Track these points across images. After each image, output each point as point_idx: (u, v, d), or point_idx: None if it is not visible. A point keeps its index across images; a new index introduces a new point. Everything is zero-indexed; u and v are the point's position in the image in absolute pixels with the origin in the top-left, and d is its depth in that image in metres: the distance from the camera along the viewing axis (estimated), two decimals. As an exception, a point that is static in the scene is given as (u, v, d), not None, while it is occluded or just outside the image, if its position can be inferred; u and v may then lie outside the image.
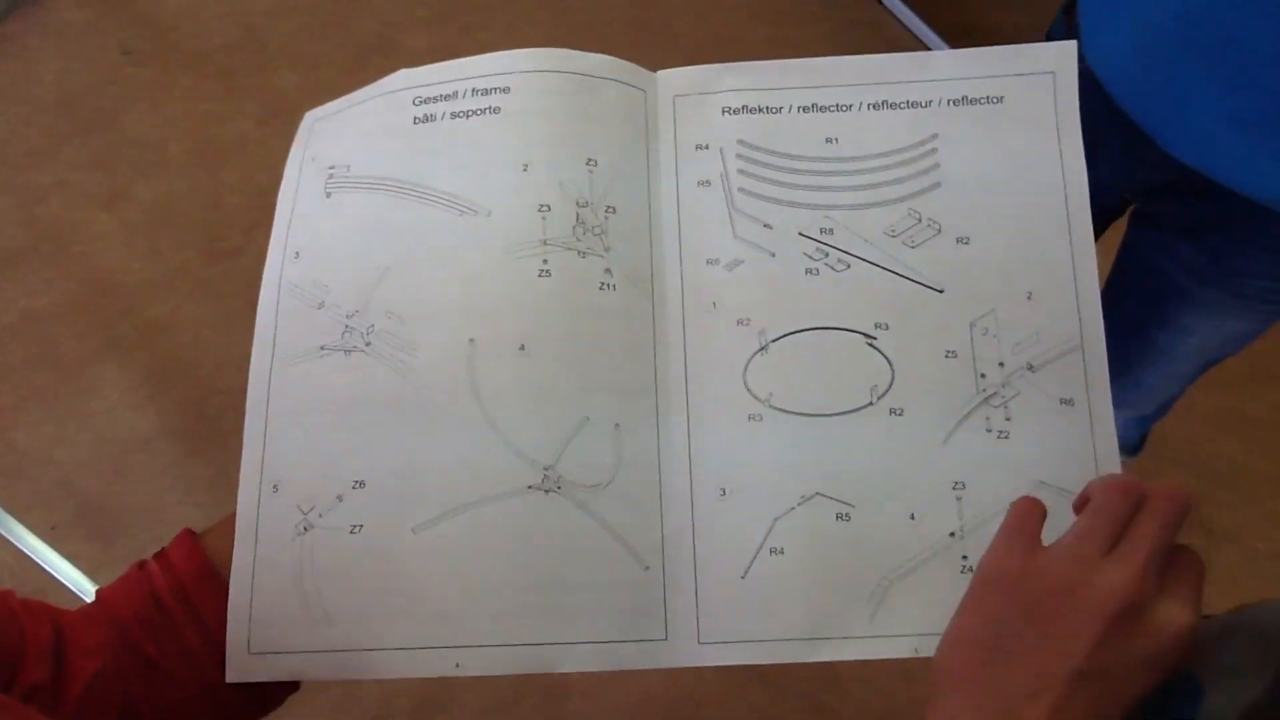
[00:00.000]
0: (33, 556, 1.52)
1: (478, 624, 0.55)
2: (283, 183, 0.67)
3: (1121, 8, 0.77)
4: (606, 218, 0.62)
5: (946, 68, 0.64)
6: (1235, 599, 1.53)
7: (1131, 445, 1.23)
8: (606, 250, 0.61)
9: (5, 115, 1.96)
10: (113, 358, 1.73)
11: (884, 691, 1.49)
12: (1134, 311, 1.02)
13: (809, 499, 0.57)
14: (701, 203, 0.63)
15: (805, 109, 0.64)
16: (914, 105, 0.63)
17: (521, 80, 0.64)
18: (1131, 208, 0.97)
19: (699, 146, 0.64)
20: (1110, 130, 0.85)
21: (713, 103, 0.65)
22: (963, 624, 0.48)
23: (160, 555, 0.57)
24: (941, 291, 0.60)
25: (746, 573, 0.57)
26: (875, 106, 0.64)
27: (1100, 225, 1.02)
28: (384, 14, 2.05)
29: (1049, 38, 0.89)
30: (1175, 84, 0.75)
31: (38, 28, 2.04)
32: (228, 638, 0.55)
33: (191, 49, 2.03)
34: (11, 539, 1.53)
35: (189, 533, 0.59)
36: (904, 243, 0.61)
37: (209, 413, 1.67)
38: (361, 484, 0.57)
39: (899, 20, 2.02)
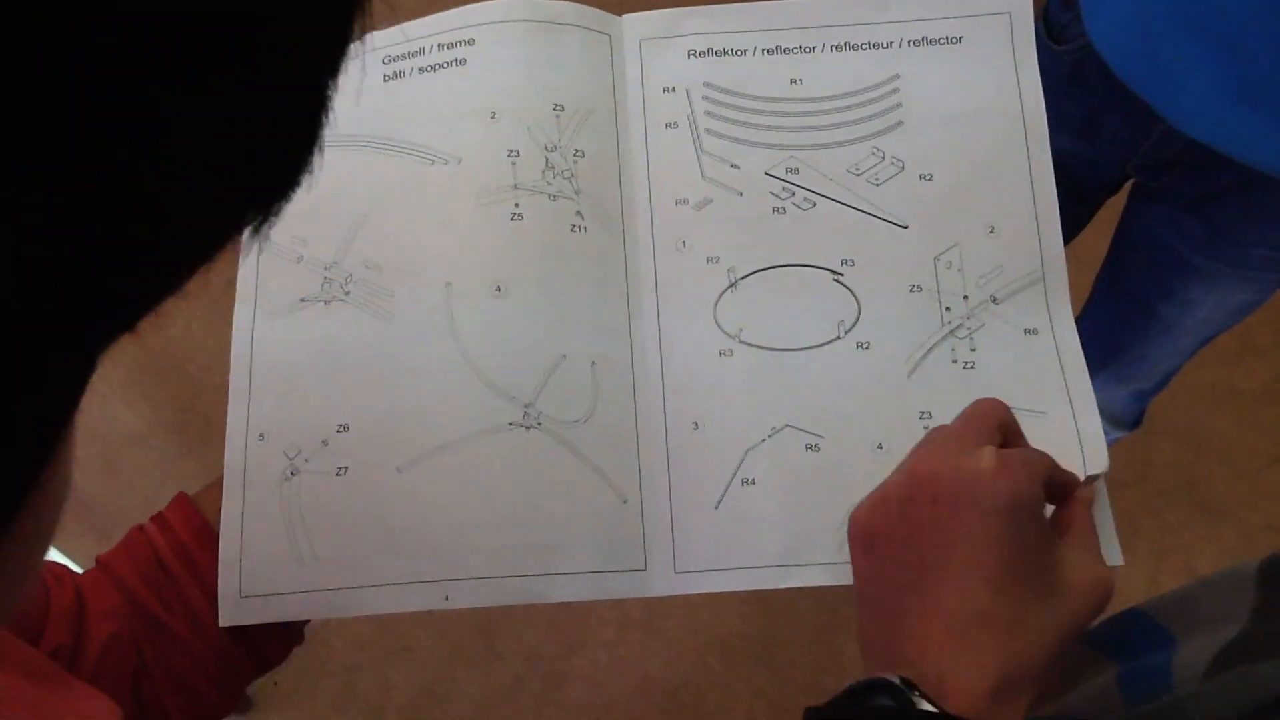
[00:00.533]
0: (29, 554, 1.52)
1: (464, 557, 0.56)
2: None
3: None
4: (575, 161, 0.63)
5: (907, 9, 0.65)
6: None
7: (1131, 420, 1.24)
8: (577, 193, 0.62)
9: None
10: (104, 354, 1.72)
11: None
12: (1138, 286, 1.03)
13: (779, 431, 0.59)
14: (669, 144, 0.64)
15: (769, 51, 0.65)
16: (876, 46, 0.64)
17: (486, 31, 0.64)
18: (1132, 181, 0.97)
19: (665, 89, 0.65)
20: (1111, 105, 0.86)
21: (678, 46, 0.66)
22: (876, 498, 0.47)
23: (157, 518, 0.58)
24: (906, 228, 0.61)
25: (720, 503, 0.58)
26: (838, 48, 0.65)
27: (1101, 200, 1.02)
28: None
29: (1046, 12, 0.89)
30: (1173, 57, 0.75)
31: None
32: (219, 584, 0.56)
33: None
34: (7, 536, 1.52)
35: (184, 495, 0.59)
36: (868, 180, 0.62)
37: (201, 408, 1.67)
38: (345, 428, 0.58)
39: None
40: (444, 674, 1.51)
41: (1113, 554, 0.56)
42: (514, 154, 0.62)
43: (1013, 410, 0.51)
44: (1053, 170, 0.61)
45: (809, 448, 0.58)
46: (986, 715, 0.40)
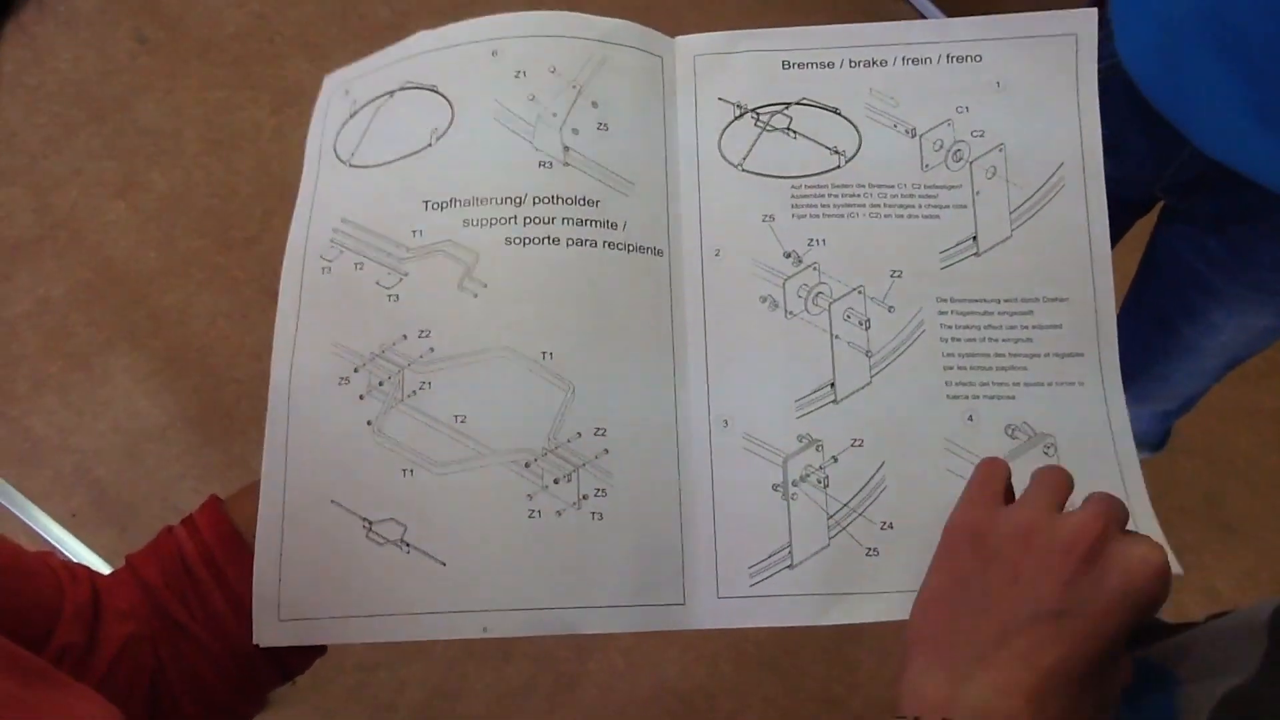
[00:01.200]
0: (53, 543, 1.53)
1: (503, 589, 0.56)
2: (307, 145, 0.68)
3: (1147, 3, 0.78)
4: (619, 178, 0.63)
5: (966, 32, 0.65)
6: (1253, 594, 1.53)
7: (1155, 441, 1.23)
8: (620, 210, 0.62)
9: (18, 105, 1.96)
10: (127, 346, 1.74)
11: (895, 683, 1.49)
12: (1162, 307, 1.02)
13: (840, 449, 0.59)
14: (722, 164, 0.64)
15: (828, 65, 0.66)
16: (930, 64, 0.65)
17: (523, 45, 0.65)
18: (1160, 203, 0.97)
19: (721, 100, 0.66)
20: (1138, 125, 0.85)
21: (735, 62, 0.66)
22: (931, 585, 0.48)
23: (187, 521, 0.57)
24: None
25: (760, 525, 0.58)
26: (909, 61, 0.65)
27: (1127, 221, 1.02)
28: (396, 0, 2.05)
29: None
30: (1198, 79, 0.75)
31: (49, 16, 2.04)
32: (254, 602, 0.56)
33: (203, 37, 2.03)
34: (34, 525, 1.54)
35: (215, 499, 0.59)
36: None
37: (223, 401, 1.68)
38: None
39: (914, 8, 2.01)
40: (456, 674, 1.52)
41: None
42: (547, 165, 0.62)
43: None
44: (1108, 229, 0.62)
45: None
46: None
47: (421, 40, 0.67)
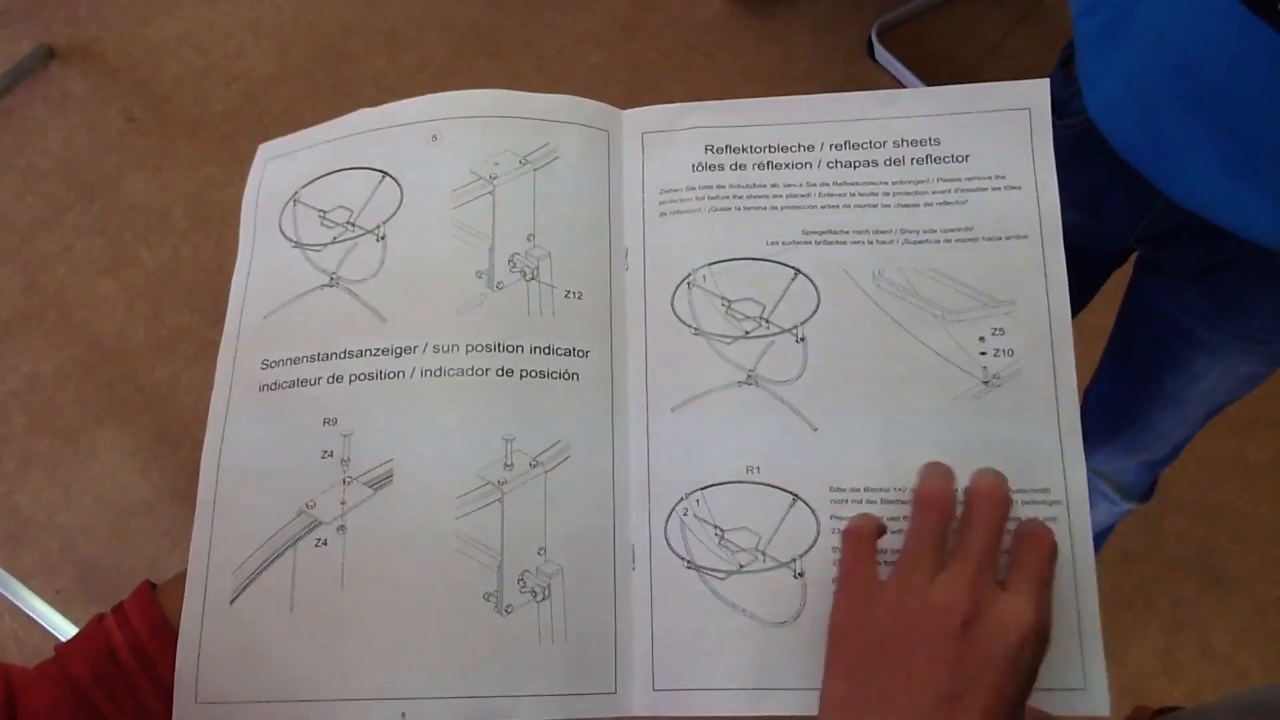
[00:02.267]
0: (39, 620, 1.52)
1: (425, 676, 0.55)
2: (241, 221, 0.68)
3: (1116, 61, 0.79)
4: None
5: (913, 106, 0.64)
6: (1248, 649, 1.52)
7: (1142, 492, 1.23)
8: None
9: (9, 184, 1.98)
10: (115, 422, 1.73)
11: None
12: (1144, 357, 1.03)
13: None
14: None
15: (771, 148, 0.64)
16: (875, 145, 0.63)
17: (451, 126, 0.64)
18: (1136, 254, 0.98)
19: (665, 190, 0.64)
20: (1113, 178, 0.86)
21: (680, 140, 0.65)
22: (829, 693, 0.49)
23: (118, 610, 0.57)
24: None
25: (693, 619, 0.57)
26: (837, 147, 0.63)
27: (1106, 272, 1.03)
28: (382, 78, 2.08)
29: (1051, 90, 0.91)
30: (1170, 132, 0.76)
31: (41, 98, 2.06)
32: (175, 686, 0.55)
33: (192, 116, 2.06)
34: (18, 603, 1.53)
35: (147, 585, 0.58)
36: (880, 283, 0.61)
37: (211, 476, 1.67)
38: (324, 540, 0.58)
39: (895, 79, 2.05)
40: None
41: (1097, 690, 0.53)
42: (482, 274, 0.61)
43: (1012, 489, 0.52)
44: (1067, 291, 0.60)
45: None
46: None
47: (360, 119, 0.67)
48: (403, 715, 0.54)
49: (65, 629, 1.51)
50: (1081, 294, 1.02)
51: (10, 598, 1.53)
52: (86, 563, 1.62)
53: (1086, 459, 0.57)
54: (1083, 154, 0.87)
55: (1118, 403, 1.10)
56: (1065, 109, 0.88)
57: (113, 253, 1.90)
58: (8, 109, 2.04)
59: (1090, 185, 0.90)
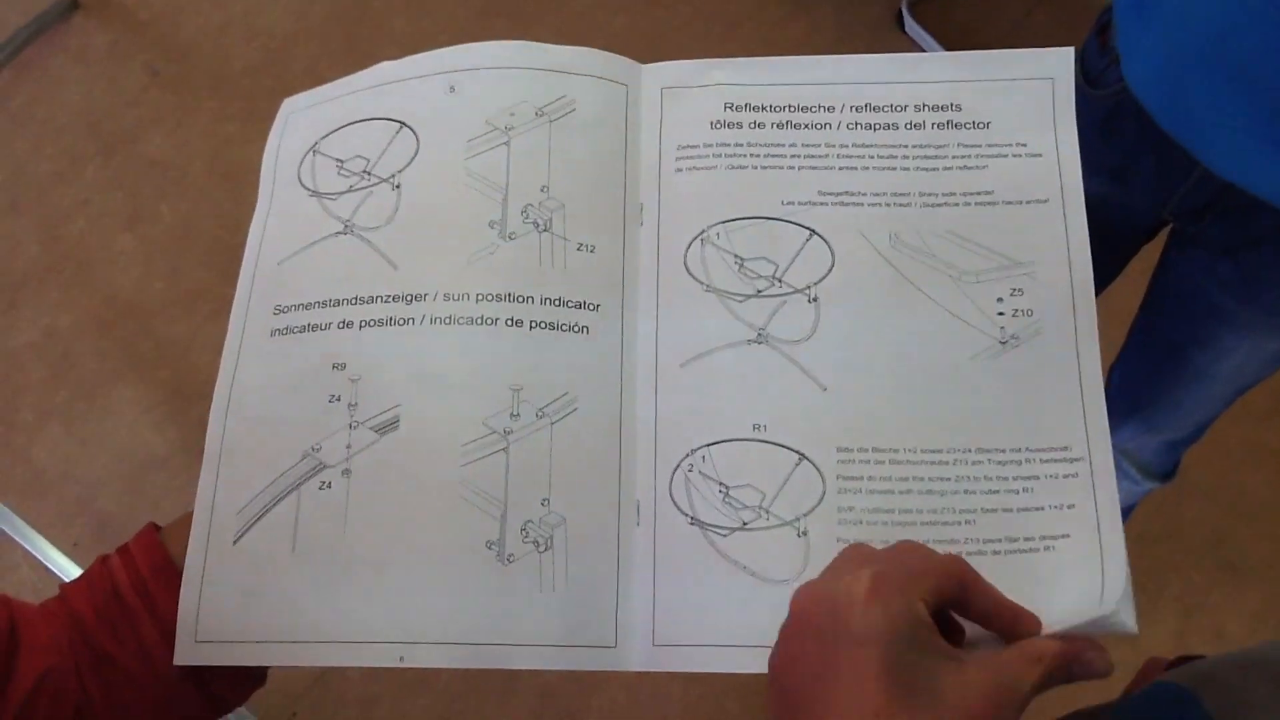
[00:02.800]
0: (56, 571, 1.53)
1: (424, 621, 0.55)
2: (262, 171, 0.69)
3: (1153, 29, 0.78)
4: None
5: (939, 72, 0.64)
6: (1262, 635, 1.51)
7: (1164, 471, 1.22)
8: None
9: (29, 137, 1.97)
10: (132, 377, 1.74)
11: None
12: (1173, 332, 1.02)
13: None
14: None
15: (791, 108, 0.64)
16: (896, 109, 0.63)
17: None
18: (1169, 227, 0.97)
19: (683, 146, 0.64)
20: (1146, 149, 0.85)
21: (699, 96, 0.65)
22: (773, 661, 0.44)
23: (122, 550, 0.57)
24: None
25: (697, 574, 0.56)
26: (858, 109, 0.63)
27: (1133, 248, 1.02)
28: (404, 38, 2.07)
29: (1082, 58, 0.89)
30: (1208, 106, 0.75)
31: (62, 51, 2.06)
32: (178, 623, 0.55)
33: (213, 72, 2.05)
34: (36, 553, 1.54)
35: (152, 527, 0.59)
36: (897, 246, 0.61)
37: (227, 433, 1.67)
38: (329, 485, 0.58)
39: (920, 48, 2.02)
40: (459, 708, 1.50)
41: (1127, 618, 0.51)
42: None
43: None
44: (1089, 254, 0.59)
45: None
46: None
47: (380, 71, 0.68)
48: (400, 658, 0.55)
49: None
50: (1107, 269, 1.01)
51: (28, 548, 1.54)
52: (103, 516, 1.63)
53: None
54: (1115, 125, 0.87)
55: (1143, 379, 1.09)
56: (1100, 78, 0.87)
57: (131, 208, 1.90)
58: (28, 60, 2.04)
59: (1121, 156, 0.89)
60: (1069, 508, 0.55)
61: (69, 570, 1.53)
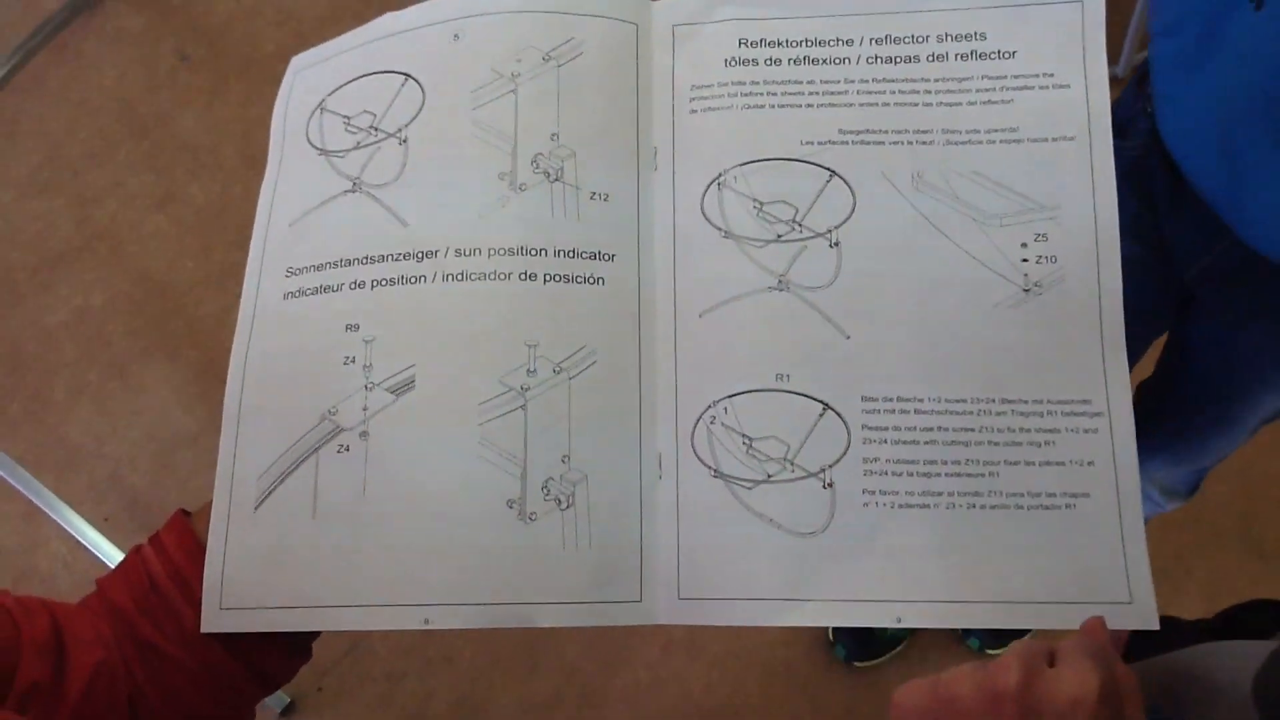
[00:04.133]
0: (88, 545, 1.55)
1: (447, 583, 0.55)
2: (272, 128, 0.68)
3: (1201, 84, 0.73)
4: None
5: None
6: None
7: (1187, 490, 1.18)
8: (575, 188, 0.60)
9: (63, 118, 2.00)
10: (163, 355, 1.76)
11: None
12: (1194, 392, 0.99)
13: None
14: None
15: (808, 42, 0.62)
16: (918, 40, 0.61)
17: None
18: (1199, 286, 0.91)
19: (696, 86, 0.62)
20: (1171, 207, 0.81)
21: (712, 33, 0.63)
22: None
23: (154, 539, 0.57)
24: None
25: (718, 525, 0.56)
26: (878, 41, 0.61)
27: (1162, 319, 0.96)
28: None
29: (1118, 109, 0.82)
30: (1252, 166, 0.71)
31: (95, 33, 2.08)
32: (203, 592, 0.55)
33: (244, 55, 2.06)
34: (68, 528, 1.56)
35: (181, 514, 0.59)
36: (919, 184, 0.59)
37: (256, 412, 1.69)
38: (346, 448, 0.57)
39: None
40: (483, 685, 1.52)
41: (1144, 604, 0.53)
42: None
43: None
44: (1115, 196, 0.58)
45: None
46: None
47: (384, 23, 0.66)
48: (426, 621, 0.54)
49: (113, 555, 1.54)
50: (1131, 344, 0.95)
51: (61, 522, 1.56)
52: (133, 493, 1.65)
53: None
54: (1141, 179, 0.83)
55: (1171, 424, 1.05)
56: (1127, 128, 0.83)
57: (163, 188, 1.92)
58: (63, 44, 2.06)
59: (1139, 210, 0.84)
60: (1089, 464, 0.54)
61: (99, 544, 1.55)
